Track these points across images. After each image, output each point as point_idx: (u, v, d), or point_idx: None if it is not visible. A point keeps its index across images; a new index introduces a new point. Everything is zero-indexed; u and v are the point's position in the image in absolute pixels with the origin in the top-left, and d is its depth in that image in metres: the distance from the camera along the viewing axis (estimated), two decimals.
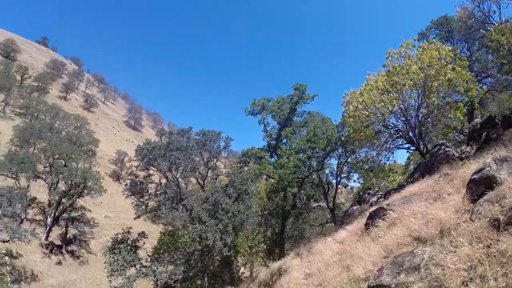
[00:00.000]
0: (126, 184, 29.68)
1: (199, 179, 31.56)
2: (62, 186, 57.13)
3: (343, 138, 28.70)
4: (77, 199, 58.55)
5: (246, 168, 29.36)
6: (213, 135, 31.86)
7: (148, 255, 32.92)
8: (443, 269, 5.95)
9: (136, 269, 27.45)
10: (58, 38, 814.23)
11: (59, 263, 54.95)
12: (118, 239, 29.67)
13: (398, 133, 21.33)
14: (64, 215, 58.83)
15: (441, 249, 6.67)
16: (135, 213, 28.02)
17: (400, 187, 18.27)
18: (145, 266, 27.47)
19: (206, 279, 28.19)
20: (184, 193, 27.89)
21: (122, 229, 31.45)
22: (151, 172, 28.23)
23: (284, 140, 36.45)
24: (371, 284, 7.28)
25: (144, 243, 31.20)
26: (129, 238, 29.76)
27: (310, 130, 31.68)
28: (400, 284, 6.49)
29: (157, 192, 27.52)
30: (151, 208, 27.11)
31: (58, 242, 57.75)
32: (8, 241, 44.19)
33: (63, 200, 56.83)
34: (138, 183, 28.42)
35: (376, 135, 21.87)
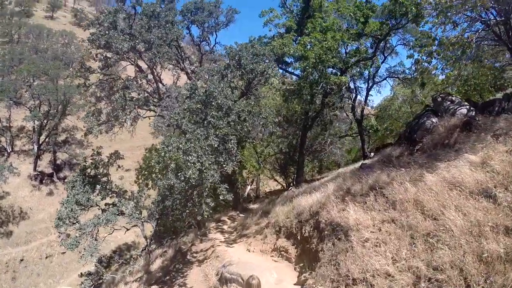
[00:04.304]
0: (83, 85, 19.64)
1: (188, 68, 20.88)
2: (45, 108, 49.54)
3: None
4: (62, 120, 51.45)
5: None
6: (209, 6, 20.69)
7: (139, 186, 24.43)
8: None
9: (101, 208, 18.66)
10: None
11: (50, 193, 49.46)
12: (86, 166, 20.72)
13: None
14: (49, 139, 51.87)
15: None
16: (84, 127, 18.33)
17: None
18: (113, 204, 18.47)
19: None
20: (168, 89, 17.56)
21: (92, 149, 22.89)
22: (113, 61, 17.78)
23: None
24: None
25: (119, 166, 22.31)
26: (100, 162, 20.76)
27: None
28: None
29: (115, 89, 17.28)
30: (108, 116, 17.01)
31: (49, 170, 52.34)
32: None
33: (50, 123, 49.91)
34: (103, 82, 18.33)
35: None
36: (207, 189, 12.49)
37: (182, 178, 11.77)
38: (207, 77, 14.92)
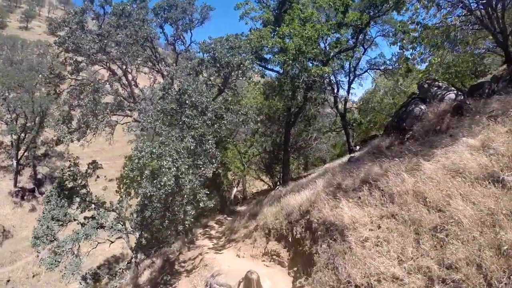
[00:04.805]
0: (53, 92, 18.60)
1: (164, 70, 19.83)
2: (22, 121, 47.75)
3: None
4: (40, 132, 49.65)
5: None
6: (182, 3, 19.77)
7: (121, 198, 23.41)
8: None
9: (80, 223, 17.56)
10: None
11: (33, 209, 47.36)
12: (64, 179, 19.50)
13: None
14: (29, 153, 50.47)
15: None
16: (54, 136, 17.30)
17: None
18: (93, 218, 17.38)
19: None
20: (143, 92, 16.58)
21: (69, 160, 21.82)
22: (83, 65, 16.73)
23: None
24: None
25: (98, 176, 21.19)
26: (78, 174, 19.62)
27: None
28: None
29: (85, 94, 16.17)
30: (79, 123, 15.91)
31: (30, 186, 50.52)
32: None
33: (28, 136, 48.30)
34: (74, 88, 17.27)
35: None
36: (186, 196, 11.47)
37: (159, 186, 10.76)
38: (182, 74, 13.90)
